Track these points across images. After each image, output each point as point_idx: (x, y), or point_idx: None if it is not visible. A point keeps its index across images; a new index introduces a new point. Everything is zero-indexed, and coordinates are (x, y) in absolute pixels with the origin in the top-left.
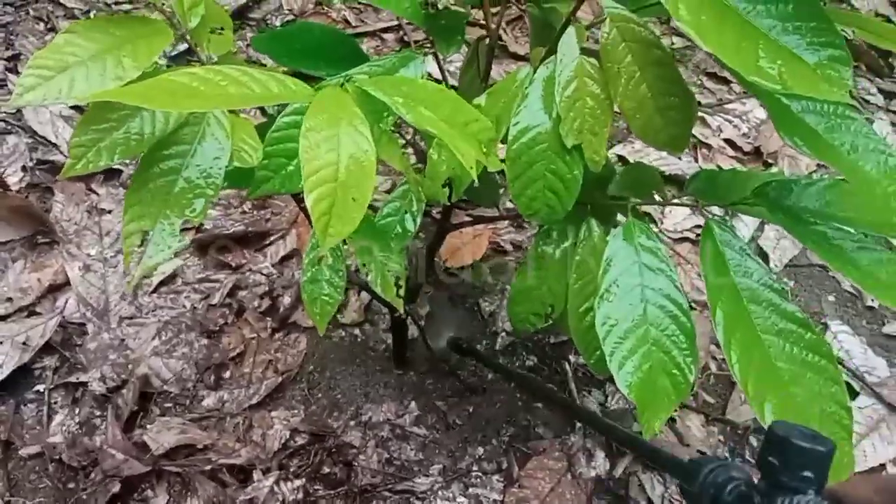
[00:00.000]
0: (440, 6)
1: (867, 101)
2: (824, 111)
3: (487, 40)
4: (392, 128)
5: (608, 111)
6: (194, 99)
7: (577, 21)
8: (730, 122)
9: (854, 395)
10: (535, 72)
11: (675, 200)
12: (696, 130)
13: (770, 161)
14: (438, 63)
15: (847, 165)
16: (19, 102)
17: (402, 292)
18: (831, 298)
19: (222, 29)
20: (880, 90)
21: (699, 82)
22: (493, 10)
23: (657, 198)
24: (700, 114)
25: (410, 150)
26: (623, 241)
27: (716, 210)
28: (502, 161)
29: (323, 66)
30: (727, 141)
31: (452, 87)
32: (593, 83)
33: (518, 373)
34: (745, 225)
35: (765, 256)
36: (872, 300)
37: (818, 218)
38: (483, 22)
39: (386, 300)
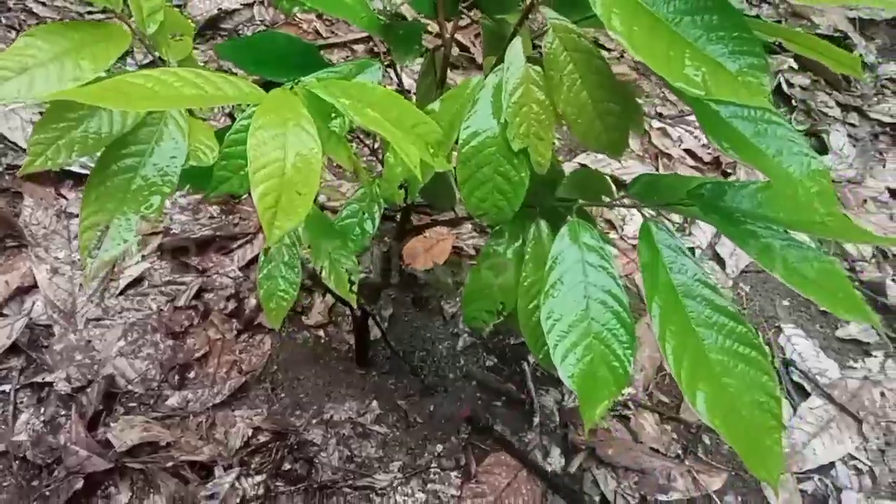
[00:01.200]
0: (397, 15)
1: (825, 114)
2: (752, 117)
3: (443, 50)
4: (349, 135)
5: (552, 116)
6: (149, 99)
7: (525, 31)
8: (690, 132)
9: (805, 395)
10: (485, 79)
11: (618, 202)
12: (658, 141)
13: (729, 171)
14: (395, 71)
15: (773, 168)
16: None
17: (354, 288)
18: (786, 303)
19: (181, 36)
20: (838, 103)
21: (661, 94)
22: (448, 21)
23: (604, 199)
24: (661, 125)
25: (374, 160)
26: (568, 240)
27: (650, 211)
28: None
29: (286, 74)
30: (687, 151)
31: (409, 93)
32: (538, 90)
33: None
34: (703, 232)
35: (721, 262)
36: None
37: (750, 218)
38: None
39: (342, 297)
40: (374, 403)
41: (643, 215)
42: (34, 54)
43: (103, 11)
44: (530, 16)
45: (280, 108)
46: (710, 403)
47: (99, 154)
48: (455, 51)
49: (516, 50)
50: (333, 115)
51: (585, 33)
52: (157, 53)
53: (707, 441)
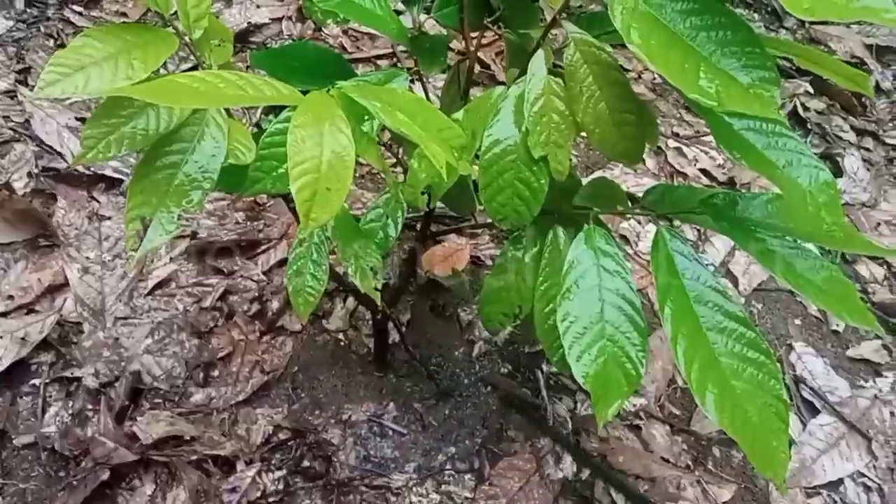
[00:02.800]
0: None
1: (839, 138)
2: (763, 129)
3: (467, 62)
4: (377, 137)
5: (571, 126)
6: (194, 97)
7: (547, 45)
8: (706, 153)
9: (815, 412)
10: (508, 90)
11: (632, 211)
12: (674, 160)
13: (743, 191)
14: (422, 81)
15: (782, 178)
16: (40, 94)
17: (378, 285)
18: (797, 322)
19: (222, 41)
20: (853, 128)
21: (678, 115)
22: (473, 34)
23: (619, 208)
24: (677, 144)
25: (400, 169)
26: (584, 245)
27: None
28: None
29: (315, 83)
30: (703, 171)
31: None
32: (559, 100)
33: None
34: (717, 250)
35: (734, 280)
36: (837, 324)
37: (760, 227)
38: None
39: (368, 299)
40: (391, 405)
41: (655, 223)
42: (91, 53)
43: (139, 22)
44: (552, 31)
45: (317, 109)
46: (718, 404)
47: (145, 150)
48: (476, 67)
49: (539, 62)
50: (366, 117)
51: (604, 47)
52: (200, 57)
53: (717, 453)
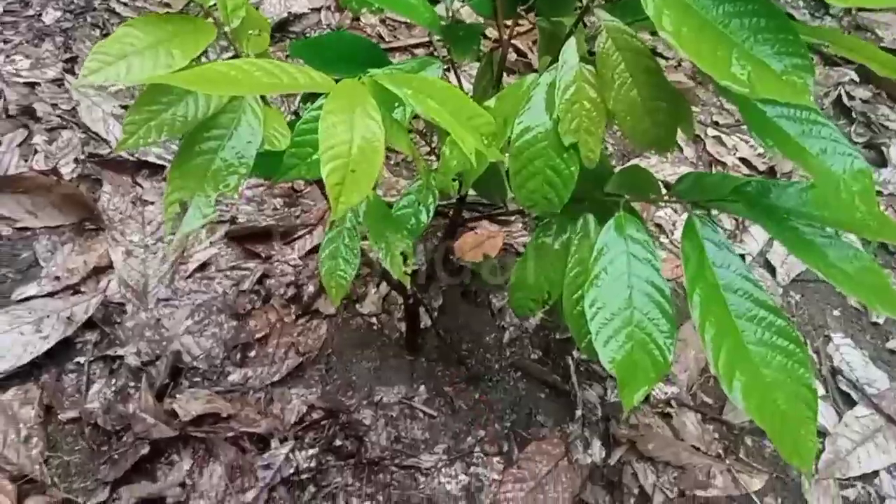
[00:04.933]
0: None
1: (885, 127)
2: (797, 117)
3: (500, 50)
4: (410, 125)
5: (602, 113)
6: (231, 85)
7: (579, 32)
8: (746, 141)
9: (852, 404)
10: (539, 77)
11: (664, 199)
12: (713, 149)
13: (780, 180)
14: (455, 73)
15: (817, 167)
16: (84, 82)
17: (409, 270)
18: (836, 313)
19: (259, 31)
20: None
21: (718, 103)
22: (506, 22)
23: (651, 196)
24: (717, 133)
25: (433, 157)
26: (614, 232)
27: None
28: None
29: (352, 71)
30: (742, 160)
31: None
32: (590, 88)
33: None
34: (755, 240)
35: (772, 270)
36: (878, 316)
37: (793, 216)
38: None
39: (401, 284)
40: (422, 388)
41: (687, 210)
42: (133, 42)
43: (181, 12)
44: (585, 18)
45: (349, 96)
46: (746, 392)
47: (183, 137)
48: (512, 56)
49: (571, 50)
50: (397, 105)
51: (636, 34)
52: (237, 46)
53: (749, 443)
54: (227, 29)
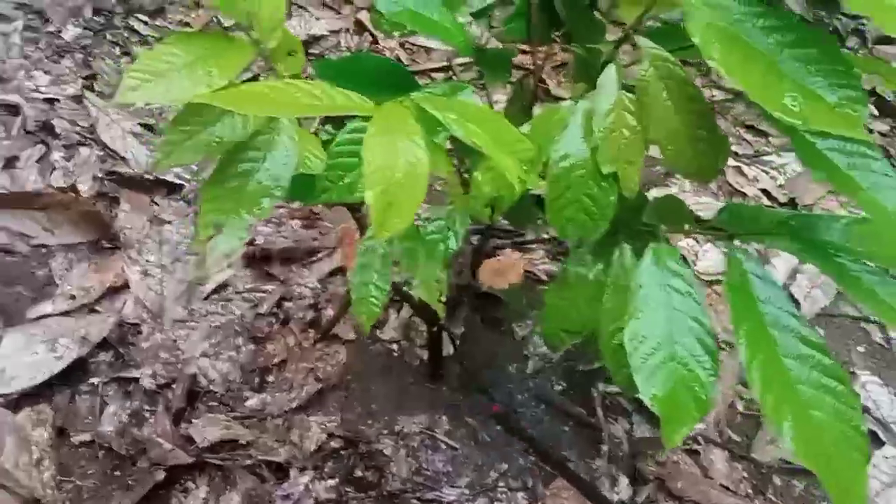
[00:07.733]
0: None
1: None
2: (846, 150)
3: (534, 74)
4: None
5: (642, 142)
6: (271, 105)
7: (618, 60)
8: (766, 172)
9: (880, 444)
10: (576, 104)
11: (702, 230)
12: (733, 179)
13: (822, 212)
14: (487, 93)
15: (867, 201)
16: (126, 99)
17: (443, 297)
18: (861, 349)
19: (293, 51)
20: None
21: (737, 133)
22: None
23: (686, 227)
24: (737, 164)
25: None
26: (653, 264)
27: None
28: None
29: (378, 94)
30: (763, 191)
31: None
32: (630, 116)
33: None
34: (778, 271)
35: (796, 304)
36: None
37: (839, 251)
38: (527, 66)
39: (425, 310)
40: (444, 418)
41: (728, 244)
42: (171, 60)
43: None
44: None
45: (392, 119)
46: (796, 434)
47: (219, 157)
48: None
49: (610, 77)
50: (439, 128)
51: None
52: (275, 67)
53: (777, 482)
54: (265, 48)
